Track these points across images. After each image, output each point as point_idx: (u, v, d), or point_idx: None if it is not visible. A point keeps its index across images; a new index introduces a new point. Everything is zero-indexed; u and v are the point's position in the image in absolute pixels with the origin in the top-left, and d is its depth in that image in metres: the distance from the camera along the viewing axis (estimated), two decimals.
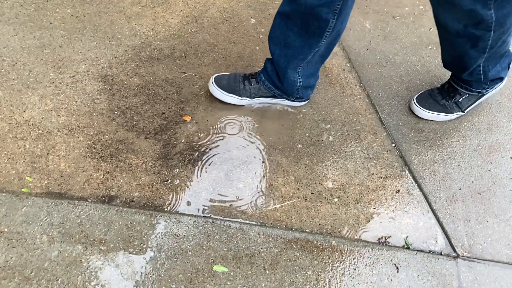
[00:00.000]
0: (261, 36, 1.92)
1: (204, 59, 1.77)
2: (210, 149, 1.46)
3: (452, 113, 1.62)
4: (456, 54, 1.45)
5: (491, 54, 1.39)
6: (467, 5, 1.19)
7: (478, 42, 1.32)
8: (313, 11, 1.25)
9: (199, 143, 1.48)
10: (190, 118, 1.54)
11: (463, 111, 1.63)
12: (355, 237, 1.30)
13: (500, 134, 1.61)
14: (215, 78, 1.59)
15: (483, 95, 1.64)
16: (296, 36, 1.35)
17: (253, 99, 1.59)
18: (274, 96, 1.59)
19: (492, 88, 1.61)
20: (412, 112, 1.65)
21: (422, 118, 1.63)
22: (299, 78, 1.49)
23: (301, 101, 1.61)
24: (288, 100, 1.60)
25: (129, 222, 1.25)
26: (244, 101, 1.59)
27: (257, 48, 1.86)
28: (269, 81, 1.54)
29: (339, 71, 1.80)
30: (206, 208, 1.32)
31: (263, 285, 1.17)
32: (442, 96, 1.63)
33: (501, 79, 1.59)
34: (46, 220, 1.23)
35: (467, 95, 1.60)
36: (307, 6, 1.24)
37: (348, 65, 1.83)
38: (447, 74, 1.72)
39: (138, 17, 1.91)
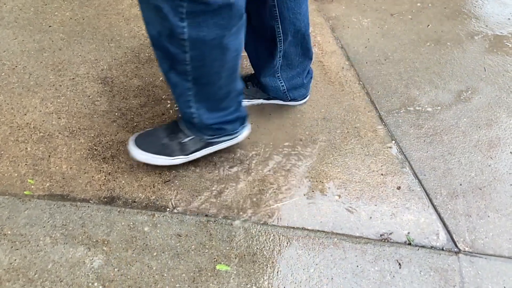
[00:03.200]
0: None
1: None
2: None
3: (172, 156, 1.34)
4: (164, 77, 1.19)
5: (199, 89, 1.13)
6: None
7: (175, 62, 1.05)
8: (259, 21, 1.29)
9: None
10: None
11: (187, 155, 1.35)
12: (357, 234, 1.30)
13: (499, 129, 1.61)
14: None
15: (211, 144, 1.36)
16: (262, 47, 1.40)
17: (252, 100, 1.60)
18: (270, 98, 1.59)
19: (220, 137, 1.34)
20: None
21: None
22: (281, 83, 1.49)
23: (297, 101, 1.61)
24: (284, 101, 1.60)
25: (131, 223, 1.25)
26: (243, 103, 1.59)
27: None
28: None
29: (338, 69, 1.80)
30: (207, 207, 1.32)
31: (266, 283, 1.17)
32: (166, 133, 1.35)
33: (233, 133, 1.34)
34: (49, 222, 1.23)
35: (192, 137, 1.33)
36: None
37: (347, 63, 1.84)
38: (446, 74, 1.72)
39: (137, 18, 1.91)
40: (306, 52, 1.44)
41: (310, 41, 1.42)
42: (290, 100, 1.59)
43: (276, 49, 1.37)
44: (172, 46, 1.00)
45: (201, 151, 1.36)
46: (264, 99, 1.60)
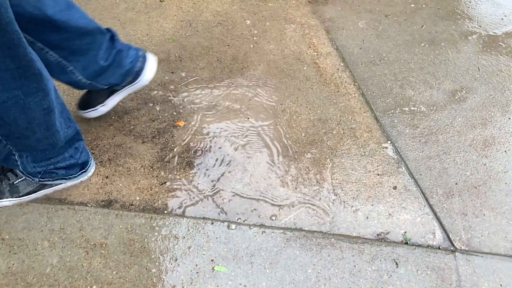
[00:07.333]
0: (254, 38, 1.93)
1: (199, 62, 1.79)
2: (207, 152, 1.47)
3: (0, 198, 1.25)
4: None
5: (15, 142, 1.10)
6: None
7: None
8: None
9: (196, 146, 1.49)
10: (183, 123, 1.55)
11: (19, 197, 1.27)
12: (354, 234, 1.31)
13: (494, 128, 1.63)
14: None
15: (46, 186, 1.28)
16: None
17: (98, 107, 1.47)
18: (113, 91, 1.45)
19: (53, 180, 1.27)
20: None
21: None
22: (77, 76, 1.27)
23: (122, 86, 1.41)
24: (111, 89, 1.42)
25: (129, 226, 1.26)
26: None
27: (252, 46, 1.87)
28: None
29: (333, 70, 1.81)
30: (204, 209, 1.33)
31: (263, 284, 1.17)
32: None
33: (70, 177, 1.28)
34: (46, 226, 1.23)
35: (23, 178, 1.25)
36: None
37: (342, 64, 1.85)
38: (441, 74, 1.72)
39: (133, 22, 1.92)
40: (80, 31, 1.15)
41: (71, 16, 1.12)
42: (112, 87, 1.38)
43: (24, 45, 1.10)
44: None
45: (37, 193, 1.28)
46: (106, 98, 1.46)
